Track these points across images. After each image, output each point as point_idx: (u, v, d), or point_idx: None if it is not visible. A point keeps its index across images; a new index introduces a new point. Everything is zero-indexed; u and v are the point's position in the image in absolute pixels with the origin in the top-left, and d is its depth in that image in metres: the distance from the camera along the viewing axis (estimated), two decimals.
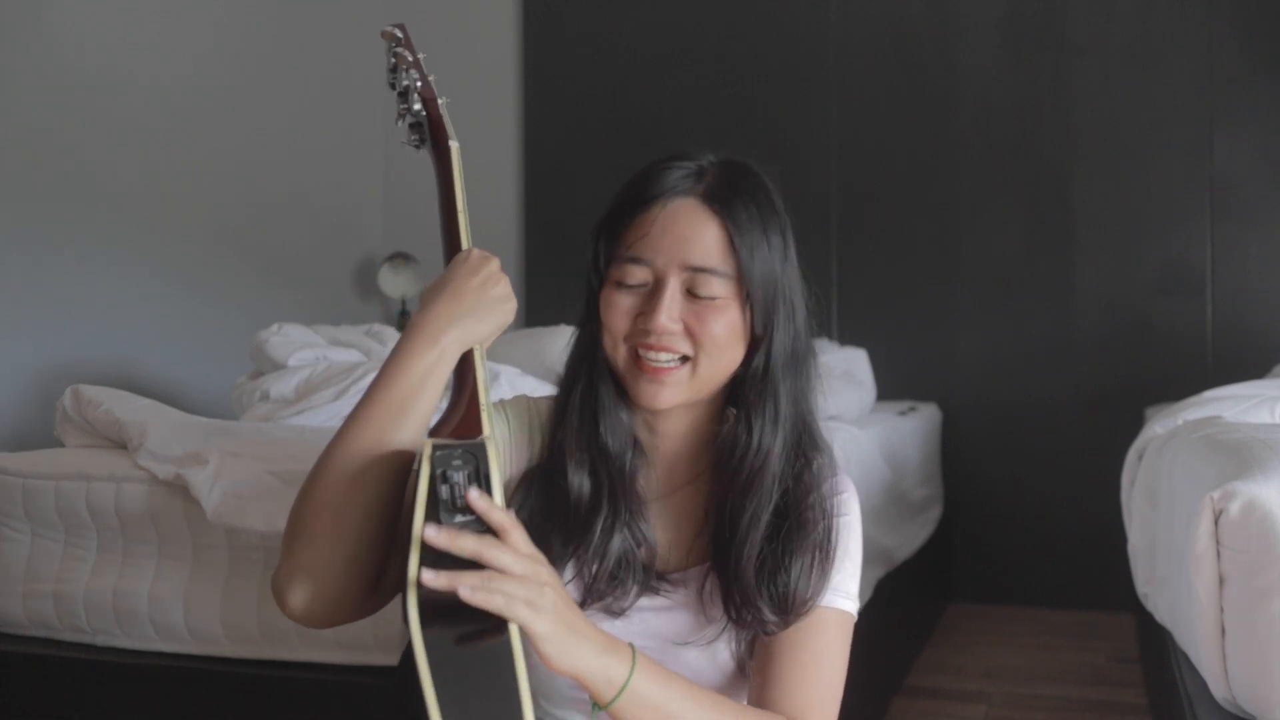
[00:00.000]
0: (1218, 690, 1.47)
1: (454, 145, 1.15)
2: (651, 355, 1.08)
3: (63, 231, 3.19)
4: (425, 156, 1.19)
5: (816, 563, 1.10)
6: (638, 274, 1.09)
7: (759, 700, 1.10)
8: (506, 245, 4.58)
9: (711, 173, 1.12)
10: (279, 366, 2.44)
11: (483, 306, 1.07)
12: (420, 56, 1.20)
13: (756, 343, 1.11)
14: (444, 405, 1.08)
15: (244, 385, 2.47)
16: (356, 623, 1.13)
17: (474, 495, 0.90)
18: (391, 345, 2.05)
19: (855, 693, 1.17)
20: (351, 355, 2.55)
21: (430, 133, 1.18)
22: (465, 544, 0.87)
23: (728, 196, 1.09)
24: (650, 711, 0.98)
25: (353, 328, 2.81)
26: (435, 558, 0.88)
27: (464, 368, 1.07)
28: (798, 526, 1.11)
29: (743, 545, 1.09)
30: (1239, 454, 1.54)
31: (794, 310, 1.13)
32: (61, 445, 2.18)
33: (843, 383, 3.37)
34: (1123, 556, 2.48)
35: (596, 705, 0.98)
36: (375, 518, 1.03)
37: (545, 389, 2.21)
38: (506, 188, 4.62)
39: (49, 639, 1.98)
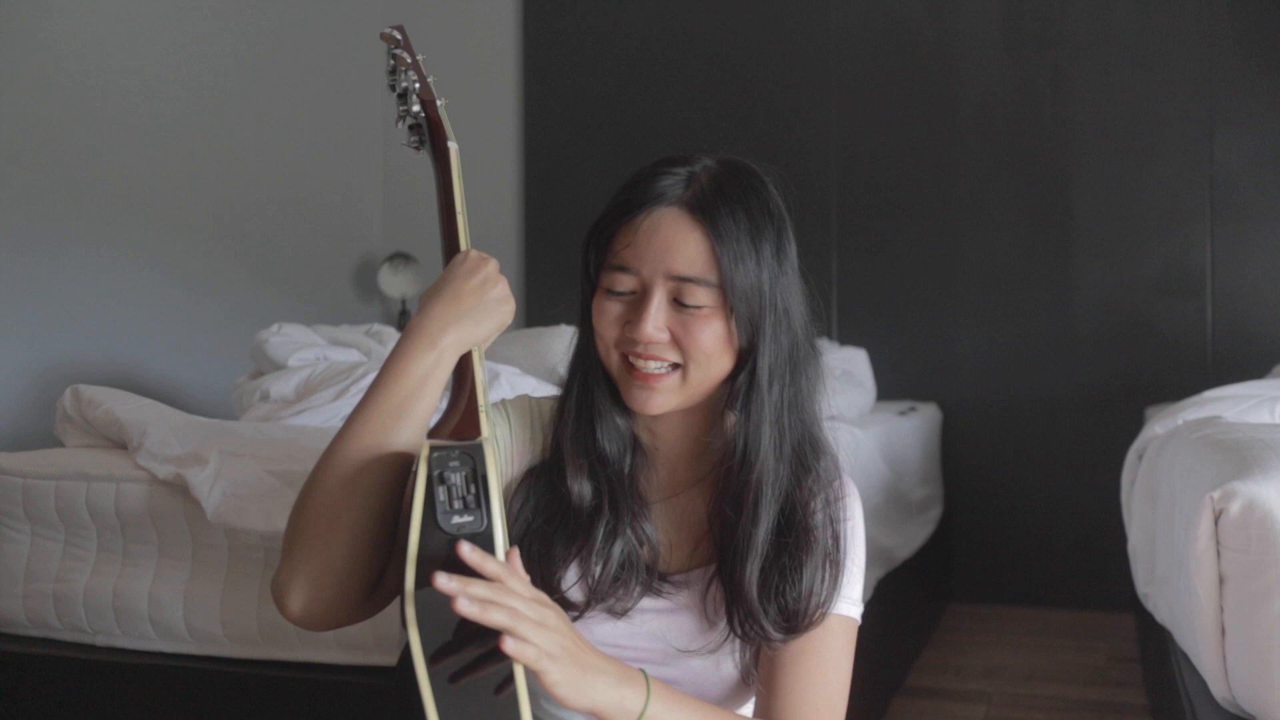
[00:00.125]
0: (1218, 690, 1.47)
1: (453, 147, 1.15)
2: (641, 362, 1.08)
3: (63, 232, 3.19)
4: (425, 157, 1.19)
5: (828, 574, 1.10)
6: (625, 282, 1.08)
7: (766, 711, 1.10)
8: (506, 246, 4.57)
9: (702, 179, 1.09)
10: (279, 366, 2.45)
11: (481, 308, 1.07)
12: (420, 58, 1.20)
13: (745, 351, 1.10)
14: (444, 406, 1.08)
15: (244, 385, 2.48)
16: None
17: (465, 549, 0.89)
18: (391, 345, 2.05)
19: (855, 693, 1.17)
20: (351, 355, 2.55)
21: (429, 134, 1.18)
22: (477, 592, 0.87)
23: (714, 205, 1.07)
24: None
25: (353, 328, 2.81)
26: (433, 570, 0.88)
27: (463, 369, 1.07)
28: (804, 539, 1.10)
29: (745, 558, 1.08)
30: (1239, 454, 1.54)
31: (787, 317, 1.10)
32: (61, 445, 2.18)
33: (843, 383, 3.37)
34: (1123, 556, 2.48)
35: None
36: (375, 520, 1.03)
37: (545, 389, 2.21)
38: (506, 188, 4.61)
39: (49, 639, 1.98)
